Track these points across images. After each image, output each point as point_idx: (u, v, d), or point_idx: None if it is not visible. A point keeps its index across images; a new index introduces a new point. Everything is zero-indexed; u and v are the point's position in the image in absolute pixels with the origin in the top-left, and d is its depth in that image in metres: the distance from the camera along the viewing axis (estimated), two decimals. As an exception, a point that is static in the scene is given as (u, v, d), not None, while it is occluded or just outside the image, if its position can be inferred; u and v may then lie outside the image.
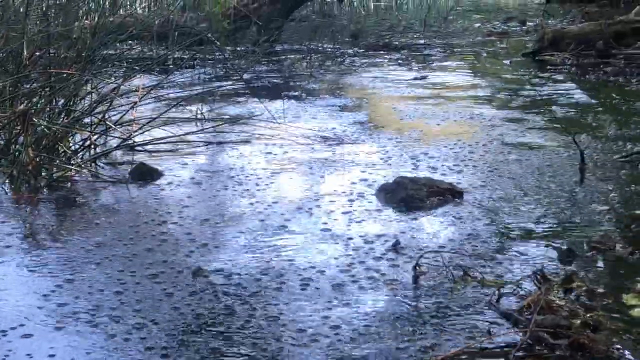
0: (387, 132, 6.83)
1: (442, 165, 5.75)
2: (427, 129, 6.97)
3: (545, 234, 4.43)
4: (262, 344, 3.20)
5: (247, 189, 5.24)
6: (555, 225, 4.55)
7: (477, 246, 4.23)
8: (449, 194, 5.04)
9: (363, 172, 5.60)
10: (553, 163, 5.82)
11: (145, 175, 5.59)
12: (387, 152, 6.14)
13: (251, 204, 4.95)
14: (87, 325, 3.35)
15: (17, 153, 5.65)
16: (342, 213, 4.75)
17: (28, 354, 3.10)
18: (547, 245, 4.24)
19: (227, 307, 3.53)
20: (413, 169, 5.66)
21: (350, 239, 4.33)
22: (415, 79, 9.59)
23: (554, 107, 7.72)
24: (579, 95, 8.50)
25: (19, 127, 5.71)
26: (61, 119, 5.98)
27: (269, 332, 3.30)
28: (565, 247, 4.17)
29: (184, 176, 5.61)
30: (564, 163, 5.82)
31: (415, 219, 4.73)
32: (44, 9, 7.08)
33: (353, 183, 5.34)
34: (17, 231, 4.56)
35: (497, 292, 3.64)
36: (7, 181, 5.42)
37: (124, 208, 5.00)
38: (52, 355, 3.10)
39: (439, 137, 6.61)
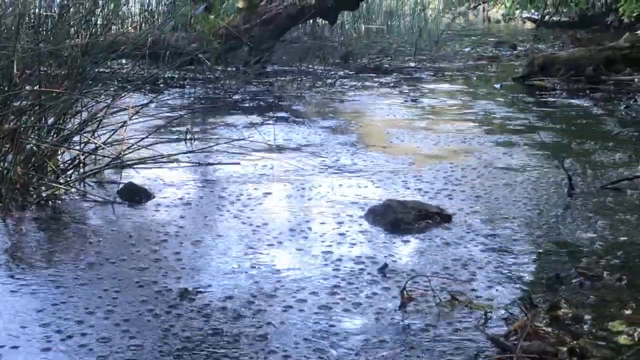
0: (377, 154, 6.84)
1: (432, 188, 5.76)
2: (417, 152, 6.99)
3: (533, 259, 4.44)
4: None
5: (237, 210, 5.24)
6: (542, 251, 4.55)
7: (464, 270, 4.23)
8: (438, 218, 5.05)
9: (353, 194, 5.60)
10: (541, 188, 5.84)
11: (134, 195, 5.58)
12: (377, 174, 6.15)
13: (241, 225, 4.95)
14: (75, 346, 3.33)
15: (5, 171, 5.63)
16: (331, 235, 4.75)
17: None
18: (534, 270, 4.25)
19: (214, 328, 3.52)
20: (402, 191, 5.66)
21: (339, 260, 4.33)
22: (406, 101, 9.62)
23: (542, 132, 7.75)
24: (567, 121, 8.54)
25: (7, 145, 5.69)
26: (50, 137, 5.97)
27: (254, 355, 3.29)
28: (552, 273, 4.17)
29: (174, 196, 5.60)
30: (552, 188, 5.83)
31: (404, 242, 4.73)
32: (35, 26, 7.08)
33: (342, 205, 5.35)
34: (4, 250, 4.54)
35: (484, 316, 3.65)
36: (-5, 199, 5.40)
37: (113, 228, 4.98)
38: (36, 376, 3.09)
39: (429, 160, 6.63)
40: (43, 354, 3.27)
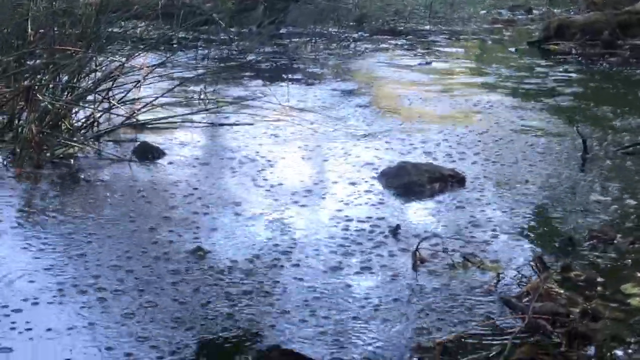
0: (391, 116, 6.82)
1: (445, 151, 5.75)
2: (431, 114, 6.97)
3: (545, 222, 4.44)
4: (258, 320, 3.21)
5: (250, 170, 5.24)
6: (556, 214, 4.55)
7: (477, 232, 4.23)
8: (451, 180, 5.04)
9: (366, 156, 5.60)
10: (556, 151, 5.82)
11: (148, 153, 5.59)
12: (391, 136, 6.14)
13: (254, 185, 4.96)
14: (91, 301, 3.36)
15: (20, 129, 5.65)
16: (344, 196, 4.75)
17: (28, 328, 3.11)
18: (547, 233, 4.25)
19: (224, 285, 3.54)
20: (416, 154, 5.65)
21: (352, 221, 4.34)
22: (420, 64, 9.57)
23: (557, 96, 7.71)
24: (583, 85, 8.49)
25: (22, 103, 5.71)
26: (65, 96, 5.98)
27: (263, 310, 3.31)
28: (565, 236, 4.17)
29: (187, 156, 5.61)
30: (566, 152, 5.82)
31: (417, 204, 4.74)
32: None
33: (355, 167, 5.34)
34: (20, 207, 4.57)
35: (496, 278, 3.65)
36: (10, 157, 5.42)
37: (127, 186, 5.00)
38: (49, 330, 3.11)
39: (442, 123, 6.60)
40: (60, 308, 3.29)
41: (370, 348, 3.05)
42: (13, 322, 3.15)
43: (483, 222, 4.38)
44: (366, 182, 5.02)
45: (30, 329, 3.10)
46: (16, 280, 3.55)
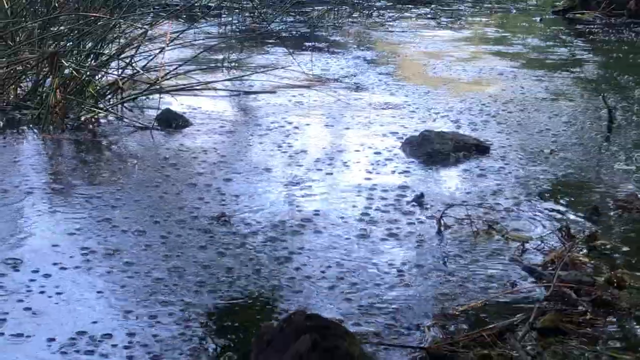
0: (415, 85, 6.79)
1: (469, 119, 5.72)
2: (455, 83, 6.93)
3: (570, 191, 4.41)
4: (282, 285, 3.22)
5: (274, 138, 5.24)
6: (581, 183, 4.53)
7: (501, 201, 4.22)
8: (475, 149, 5.02)
9: (390, 124, 5.58)
10: (580, 120, 5.78)
11: (172, 121, 5.60)
12: (415, 105, 6.11)
13: (278, 152, 4.95)
14: (117, 264, 3.37)
15: (45, 95, 5.66)
16: (368, 164, 4.74)
17: (58, 291, 3.14)
18: (572, 202, 4.23)
19: (248, 251, 3.55)
20: (440, 122, 5.63)
21: (375, 189, 4.33)
22: (444, 33, 9.51)
23: (582, 65, 7.65)
24: (609, 54, 8.41)
25: (47, 69, 5.72)
26: (89, 62, 5.98)
27: (288, 276, 3.31)
28: (590, 204, 4.15)
29: (211, 123, 5.61)
30: (591, 121, 5.78)
31: (440, 172, 4.72)
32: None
33: (379, 135, 5.33)
34: (44, 172, 4.59)
35: (521, 246, 3.64)
36: (34, 122, 5.44)
37: (151, 153, 5.01)
38: (76, 294, 3.13)
39: (467, 92, 6.57)
40: (86, 272, 3.32)
41: (393, 313, 3.05)
42: (42, 286, 3.18)
43: (507, 191, 4.36)
44: (390, 150, 5.01)
45: (59, 293, 3.12)
46: (43, 245, 3.57)
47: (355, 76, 7.12)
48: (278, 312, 3.04)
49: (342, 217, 3.95)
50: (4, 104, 5.71)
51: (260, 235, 3.73)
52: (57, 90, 5.46)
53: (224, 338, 2.85)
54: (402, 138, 5.20)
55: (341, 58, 7.93)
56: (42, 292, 3.12)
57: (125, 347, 2.75)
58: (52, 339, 2.79)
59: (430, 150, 4.94)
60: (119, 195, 4.20)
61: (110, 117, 5.66)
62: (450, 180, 4.60)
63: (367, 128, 5.52)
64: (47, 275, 3.26)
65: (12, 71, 5.85)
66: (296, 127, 5.48)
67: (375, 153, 4.96)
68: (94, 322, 2.90)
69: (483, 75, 7.29)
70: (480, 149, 5.03)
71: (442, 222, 3.87)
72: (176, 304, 3.07)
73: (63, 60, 5.60)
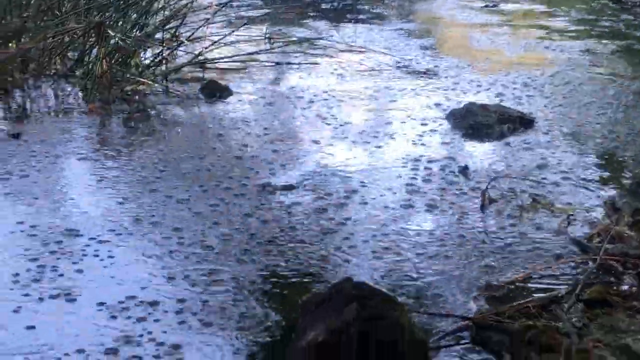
0: (459, 58, 6.76)
1: (514, 93, 5.69)
2: (498, 56, 6.89)
3: (616, 165, 4.39)
4: (328, 254, 3.25)
5: (318, 109, 5.25)
6: (626, 157, 4.49)
7: (546, 174, 4.20)
8: (519, 122, 5.00)
9: (433, 96, 5.57)
10: (626, 95, 5.72)
11: (215, 92, 5.63)
12: (458, 77, 6.09)
13: (321, 123, 4.97)
14: (161, 232, 3.42)
15: (91, 65, 5.72)
16: (412, 136, 4.74)
17: (110, 256, 3.19)
18: (617, 176, 4.20)
19: (293, 221, 3.57)
20: (484, 95, 5.61)
21: (419, 161, 4.33)
22: (487, 6, 9.44)
23: (629, 40, 7.55)
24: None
25: (93, 39, 5.77)
26: (134, 33, 6.02)
27: (334, 245, 3.34)
28: (636, 179, 4.12)
29: (254, 95, 5.64)
30: (638, 96, 5.72)
31: (484, 144, 4.71)
32: None
33: (423, 107, 5.32)
34: (90, 142, 4.64)
35: (566, 219, 3.64)
36: (80, 92, 5.50)
37: (195, 123, 5.05)
38: (124, 259, 3.18)
39: (510, 65, 6.53)
40: (135, 239, 3.36)
41: (439, 284, 3.07)
42: (94, 252, 3.23)
43: (552, 164, 4.35)
44: (434, 122, 5.01)
45: (111, 257, 3.18)
46: (94, 212, 3.63)
47: (398, 48, 7.10)
48: (324, 281, 3.06)
49: (387, 188, 3.97)
50: (52, 73, 5.77)
51: (307, 205, 3.75)
52: (104, 61, 5.51)
53: (271, 306, 2.88)
54: (445, 110, 5.19)
55: (384, 30, 7.91)
56: (94, 257, 3.18)
57: (176, 313, 2.80)
58: (103, 303, 2.84)
59: (474, 122, 4.92)
60: (165, 164, 4.24)
61: (155, 88, 5.70)
62: (495, 153, 4.59)
63: (411, 100, 5.51)
64: (98, 241, 3.31)
65: (59, 41, 5.91)
66: (339, 99, 5.49)
67: (420, 125, 4.96)
68: (144, 288, 2.95)
69: (528, 48, 7.23)
70: (525, 121, 5.01)
71: (486, 194, 3.86)
72: (225, 271, 3.11)
73: (109, 30, 5.65)
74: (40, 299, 2.86)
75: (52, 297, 2.88)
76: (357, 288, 2.59)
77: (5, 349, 2.57)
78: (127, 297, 2.88)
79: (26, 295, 2.88)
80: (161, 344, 2.61)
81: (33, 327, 2.69)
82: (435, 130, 4.85)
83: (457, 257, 3.29)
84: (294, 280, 3.09)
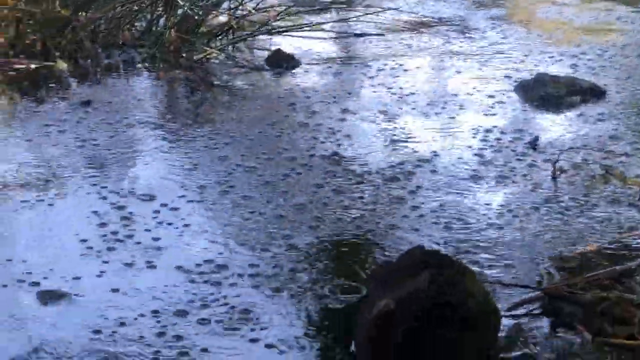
0: (528, 28, 6.65)
1: (585, 64, 5.59)
2: (569, 27, 6.76)
3: (691, 137, 4.30)
4: (396, 223, 3.24)
5: (383, 80, 5.22)
6: (702, 130, 4.41)
7: (618, 146, 4.13)
8: (590, 93, 4.91)
9: (502, 68, 5.50)
10: (701, 67, 5.60)
11: (282, 61, 5.63)
12: (527, 48, 6.00)
13: (388, 94, 4.94)
14: (230, 199, 3.44)
15: (159, 34, 5.76)
16: (481, 107, 4.70)
17: (184, 224, 3.23)
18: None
19: (365, 188, 3.57)
20: (554, 66, 5.52)
21: (489, 132, 4.29)
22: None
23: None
24: None
25: (161, 8, 5.80)
26: (202, 2, 6.04)
27: (402, 214, 3.33)
28: None
29: (320, 64, 5.63)
30: None
31: (555, 116, 4.65)
32: None
33: (491, 78, 5.26)
34: (157, 110, 4.68)
35: (638, 191, 3.57)
36: (148, 61, 5.54)
37: (263, 93, 5.06)
38: (196, 225, 3.21)
39: (581, 36, 6.40)
40: (204, 206, 3.39)
41: (510, 254, 3.04)
42: (168, 219, 3.27)
43: (624, 136, 4.27)
44: (503, 93, 4.95)
45: (186, 225, 3.21)
46: (164, 179, 3.66)
47: (466, 19, 7.01)
48: (394, 249, 3.06)
49: (457, 158, 3.94)
50: (120, 43, 5.82)
51: (376, 175, 3.74)
52: (172, 30, 5.55)
53: (341, 272, 2.89)
54: (515, 81, 5.12)
55: (451, 0, 7.81)
56: (169, 224, 3.21)
57: (248, 277, 2.82)
58: (180, 267, 2.87)
59: (544, 93, 4.86)
60: (233, 133, 4.26)
61: (222, 57, 5.71)
62: (565, 124, 4.53)
63: (479, 71, 5.45)
64: (171, 208, 3.35)
65: (127, 10, 5.96)
66: (406, 70, 5.45)
67: (489, 96, 4.90)
68: (217, 253, 2.98)
69: (599, 19, 7.09)
70: (596, 93, 4.93)
71: (557, 165, 3.81)
72: (296, 238, 3.13)
73: (177, 0, 5.67)
74: (118, 264, 2.90)
75: (128, 263, 2.91)
76: (429, 256, 2.58)
77: (85, 311, 2.62)
78: (200, 262, 2.91)
79: (105, 262, 2.92)
80: (232, 307, 2.64)
81: (116, 290, 2.73)
82: (504, 102, 4.79)
83: (528, 227, 3.26)
84: (364, 248, 3.09)
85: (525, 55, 5.83)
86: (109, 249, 3.01)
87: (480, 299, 2.49)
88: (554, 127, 4.46)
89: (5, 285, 2.76)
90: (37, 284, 2.77)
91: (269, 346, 2.46)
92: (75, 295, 2.70)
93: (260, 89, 5.14)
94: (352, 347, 2.46)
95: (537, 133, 4.26)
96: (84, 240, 3.06)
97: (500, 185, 3.66)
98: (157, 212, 3.31)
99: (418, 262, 2.55)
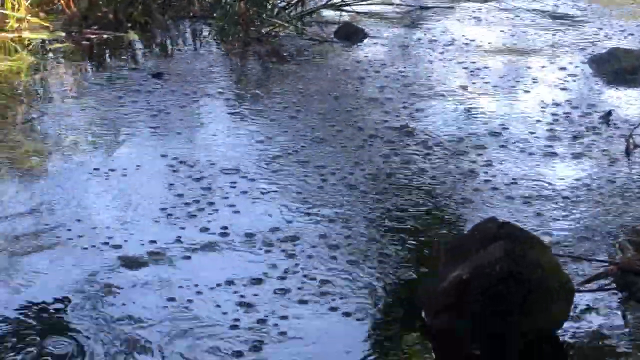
0: (599, 3, 6.54)
1: (659, 38, 5.49)
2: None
3: None
4: (467, 196, 3.23)
5: (455, 54, 5.18)
6: None
7: (695, 121, 4.06)
8: (666, 68, 4.82)
9: (575, 41, 5.42)
10: None
11: (351, 35, 5.62)
12: (601, 21, 5.90)
13: (456, 66, 4.91)
14: (302, 169, 3.46)
15: (228, 7, 5.78)
16: (553, 81, 4.64)
17: (244, 191, 3.26)
18: None
19: (435, 161, 3.56)
20: (627, 40, 5.42)
21: (560, 106, 4.24)
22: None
23: None
24: None
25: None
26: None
27: (472, 189, 3.31)
28: None
29: (388, 38, 5.61)
30: None
31: (629, 90, 4.57)
32: None
33: (564, 51, 5.19)
34: (227, 82, 4.72)
35: None
36: (218, 34, 5.58)
37: (331, 65, 5.06)
38: (261, 194, 3.23)
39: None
40: (279, 175, 3.42)
41: (582, 228, 3.01)
42: (241, 186, 3.30)
43: (701, 112, 4.19)
44: (576, 67, 4.88)
45: (263, 193, 3.24)
46: (235, 149, 3.69)
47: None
48: (465, 220, 3.05)
49: (528, 132, 3.90)
50: (190, 15, 5.87)
51: (446, 148, 3.72)
52: (241, 3, 5.57)
53: (412, 244, 2.89)
54: (588, 55, 5.04)
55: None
56: (244, 193, 3.24)
57: (323, 246, 2.84)
58: (252, 235, 2.90)
59: (618, 67, 4.78)
60: (303, 104, 4.27)
61: (291, 30, 5.72)
62: (639, 99, 4.45)
63: (551, 44, 5.38)
64: (242, 177, 3.38)
65: (197, -17, 6.00)
66: (476, 43, 5.40)
67: (561, 69, 4.84)
68: (293, 223, 3.00)
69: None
70: (672, 68, 4.83)
71: (631, 140, 3.76)
72: (368, 208, 3.13)
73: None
74: (194, 232, 2.93)
75: (204, 230, 2.94)
76: (502, 228, 2.57)
77: (162, 278, 2.66)
78: (275, 232, 2.92)
79: (182, 228, 2.96)
80: (305, 276, 2.66)
81: (188, 258, 2.77)
82: (577, 75, 4.73)
83: (601, 202, 3.23)
84: (434, 220, 3.09)
85: (600, 29, 5.74)
86: (184, 216, 3.04)
87: (552, 272, 2.47)
88: (627, 101, 4.39)
89: (85, 248, 2.82)
90: (118, 247, 2.81)
91: (345, 314, 2.46)
92: (152, 262, 2.73)
93: (329, 61, 5.14)
94: (424, 317, 2.46)
95: (609, 107, 4.19)
96: (163, 209, 3.10)
97: (572, 159, 3.62)
98: (230, 181, 3.34)
99: (491, 233, 2.54)
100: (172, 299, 2.53)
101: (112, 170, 3.44)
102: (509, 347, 2.36)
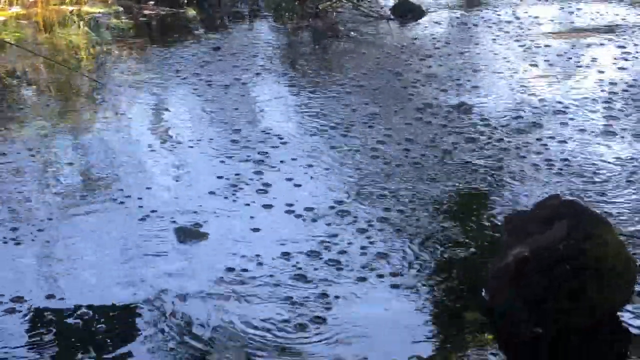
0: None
1: None
2: None
3: None
4: (523, 172, 3.20)
5: (511, 32, 5.14)
6: None
7: None
8: None
9: (630, 19, 5.34)
10: None
11: (407, 11, 5.60)
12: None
13: (516, 46, 4.86)
14: (353, 144, 3.45)
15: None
16: (612, 59, 4.58)
17: (293, 158, 3.26)
18: None
19: (490, 139, 3.52)
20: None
21: (614, 84, 4.17)
22: None
23: None
24: None
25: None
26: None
27: (530, 166, 3.28)
28: None
29: (445, 15, 5.57)
30: None
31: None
32: None
33: (624, 30, 5.11)
34: (283, 58, 4.72)
35: None
36: (274, 9, 5.58)
37: (387, 42, 5.04)
38: (316, 170, 3.23)
39: None
40: (332, 150, 3.42)
41: (630, 207, 2.97)
42: (296, 161, 3.30)
43: None
44: (636, 45, 4.80)
45: (310, 166, 3.24)
46: (288, 124, 3.70)
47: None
48: (526, 198, 3.01)
49: (588, 111, 3.85)
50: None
51: (503, 127, 3.69)
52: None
53: (472, 221, 2.87)
54: (648, 34, 4.97)
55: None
56: (301, 166, 3.25)
57: (379, 220, 2.83)
58: (310, 209, 2.91)
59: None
60: (358, 81, 4.26)
61: (348, 6, 5.71)
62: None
63: (610, 24, 5.30)
64: (299, 151, 3.38)
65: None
66: (535, 22, 5.35)
67: (619, 47, 4.77)
68: (349, 197, 3.00)
69: None
70: None
71: (693, 120, 3.69)
72: (423, 185, 3.12)
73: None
74: (253, 205, 2.94)
75: (265, 204, 2.95)
76: (565, 206, 2.54)
77: (217, 250, 2.69)
78: (332, 206, 2.93)
79: (237, 202, 2.98)
80: (364, 250, 2.65)
81: (257, 230, 2.78)
82: (630, 53, 4.65)
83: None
84: (494, 197, 3.06)
85: (659, 8, 5.65)
86: (239, 190, 3.05)
87: (616, 250, 2.44)
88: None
89: (142, 219, 2.84)
90: (173, 221, 2.83)
91: (406, 290, 2.46)
92: (208, 233, 2.75)
93: (385, 38, 5.13)
94: (483, 293, 2.45)
95: (666, 87, 4.13)
96: (220, 177, 3.12)
97: (632, 138, 3.57)
98: (285, 155, 3.34)
99: (555, 211, 2.51)
100: (230, 269, 2.55)
101: (172, 144, 3.47)
102: (569, 327, 2.34)
